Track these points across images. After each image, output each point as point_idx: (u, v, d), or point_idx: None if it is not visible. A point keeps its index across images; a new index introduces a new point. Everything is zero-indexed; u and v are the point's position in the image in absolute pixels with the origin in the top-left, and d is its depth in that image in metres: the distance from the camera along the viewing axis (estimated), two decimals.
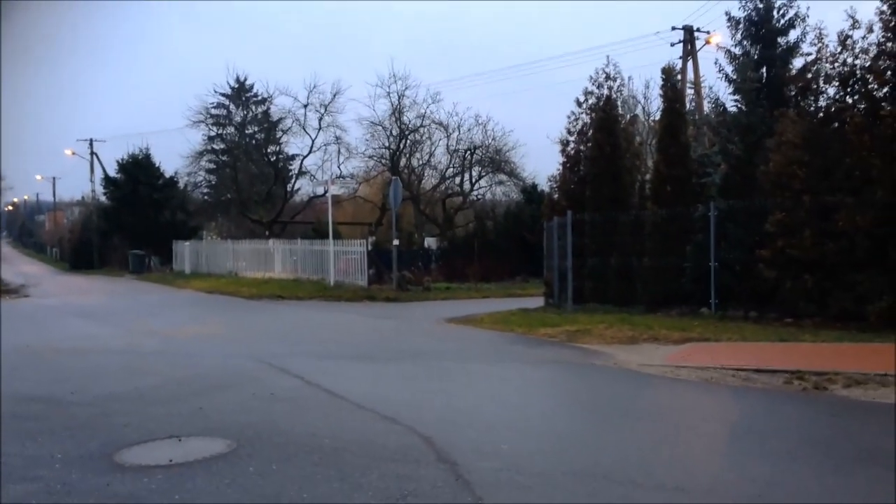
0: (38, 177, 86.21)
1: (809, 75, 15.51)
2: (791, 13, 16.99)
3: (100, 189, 52.31)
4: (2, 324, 16.12)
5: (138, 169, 46.71)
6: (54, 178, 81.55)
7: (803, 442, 6.37)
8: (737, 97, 17.08)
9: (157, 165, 47.89)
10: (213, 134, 44.76)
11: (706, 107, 23.17)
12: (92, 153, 54.76)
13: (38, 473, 5.47)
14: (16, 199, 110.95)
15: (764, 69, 17.05)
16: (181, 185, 47.42)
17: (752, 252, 14.55)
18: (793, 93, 15.93)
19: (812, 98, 15.30)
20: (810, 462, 5.77)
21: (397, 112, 37.70)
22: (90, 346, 13.16)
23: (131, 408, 7.72)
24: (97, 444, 6.21)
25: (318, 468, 5.50)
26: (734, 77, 17.14)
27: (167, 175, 47.75)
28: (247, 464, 5.63)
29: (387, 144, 38.48)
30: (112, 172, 49.10)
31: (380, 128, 38.37)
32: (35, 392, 8.63)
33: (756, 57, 17.01)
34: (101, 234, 49.86)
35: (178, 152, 57.57)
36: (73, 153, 56.04)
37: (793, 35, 17.00)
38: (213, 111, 44.47)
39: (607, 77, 19.42)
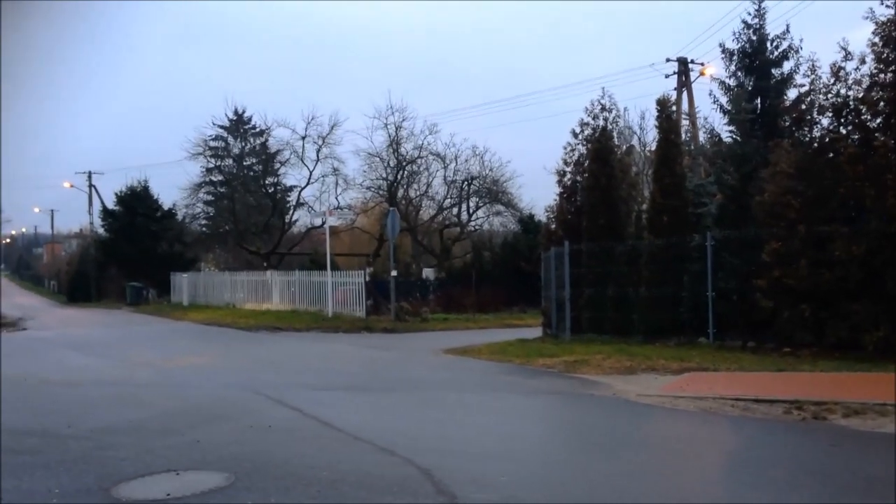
0: (37, 209, 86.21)
1: (803, 106, 15.62)
2: (784, 45, 17.18)
3: (98, 221, 52.42)
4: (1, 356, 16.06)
5: (136, 201, 46.82)
6: (52, 211, 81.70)
7: (802, 472, 6.34)
8: (731, 128, 17.22)
9: (155, 197, 48.03)
10: (211, 166, 44.93)
11: (701, 137, 23.31)
12: (90, 185, 54.92)
13: None
14: (14, 232, 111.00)
15: (758, 100, 17.20)
16: (179, 216, 47.50)
17: (748, 281, 14.58)
18: (787, 123, 16.07)
19: (806, 128, 15.41)
20: (809, 492, 5.75)
21: (395, 143, 37.87)
22: (86, 378, 13.11)
23: (127, 440, 7.68)
24: (93, 478, 6.18)
25: (316, 501, 5.47)
26: (729, 108, 17.28)
27: (165, 207, 47.87)
28: (245, 497, 5.59)
29: (384, 175, 38.63)
30: (110, 205, 49.26)
31: (377, 159, 38.54)
32: (30, 425, 8.58)
33: (750, 88, 17.17)
34: (98, 266, 49.81)
35: (176, 184, 57.73)
36: (72, 186, 56.17)
37: (786, 66, 17.18)
38: (212, 143, 44.66)
39: (603, 108, 19.59)
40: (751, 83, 17.27)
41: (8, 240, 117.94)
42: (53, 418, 8.98)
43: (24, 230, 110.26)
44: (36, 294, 67.36)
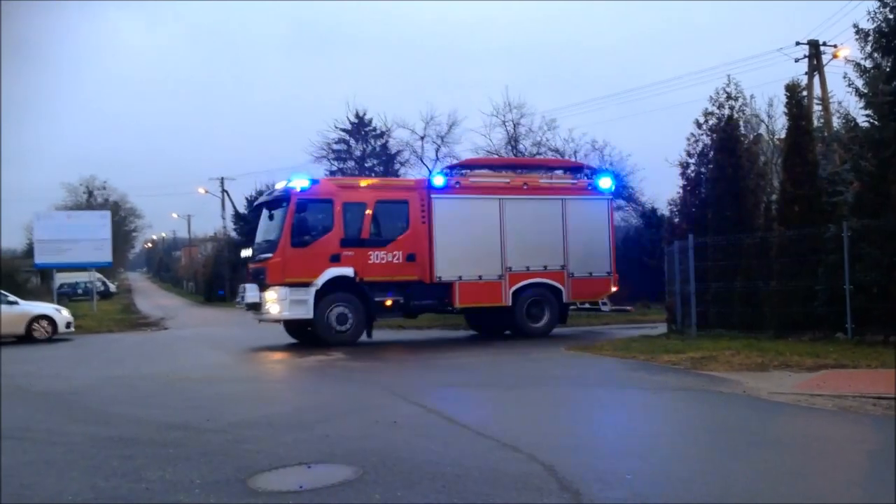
0: (174, 215, 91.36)
1: None
2: None
3: (230, 224, 54.86)
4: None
5: None
6: (189, 216, 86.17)
7: None
8: (868, 111, 16.28)
9: None
10: (334, 168, 46.11)
11: (835, 123, 22.17)
12: (223, 191, 57.53)
13: (178, 498, 5.75)
14: (154, 237, 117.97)
15: None
16: None
17: (889, 273, 13.77)
18: None
19: None
20: None
21: (513, 140, 37.81)
22: (222, 375, 13.75)
23: (262, 434, 8.01)
24: (231, 470, 6.48)
25: (441, 496, 5.55)
26: (865, 91, 16.34)
27: None
28: (373, 490, 5.74)
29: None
30: (241, 208, 51.42)
31: (496, 156, 38.58)
32: (173, 419, 9.07)
33: (888, 69, 16.17)
34: (232, 267, 52.05)
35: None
36: (206, 191, 59.00)
37: None
38: (335, 146, 45.82)
39: (728, 96, 18.94)
40: (889, 64, 16.26)
41: (149, 244, 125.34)
42: (194, 413, 9.46)
43: (163, 235, 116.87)
44: (175, 295, 71.07)
